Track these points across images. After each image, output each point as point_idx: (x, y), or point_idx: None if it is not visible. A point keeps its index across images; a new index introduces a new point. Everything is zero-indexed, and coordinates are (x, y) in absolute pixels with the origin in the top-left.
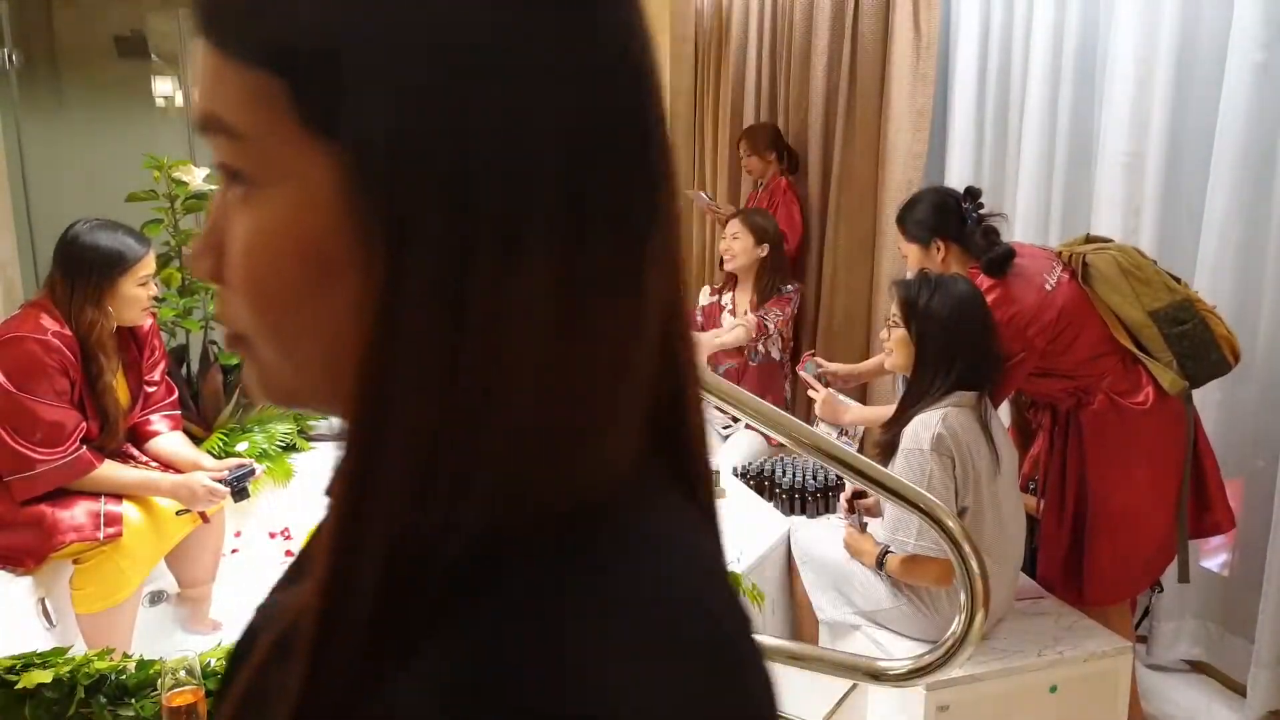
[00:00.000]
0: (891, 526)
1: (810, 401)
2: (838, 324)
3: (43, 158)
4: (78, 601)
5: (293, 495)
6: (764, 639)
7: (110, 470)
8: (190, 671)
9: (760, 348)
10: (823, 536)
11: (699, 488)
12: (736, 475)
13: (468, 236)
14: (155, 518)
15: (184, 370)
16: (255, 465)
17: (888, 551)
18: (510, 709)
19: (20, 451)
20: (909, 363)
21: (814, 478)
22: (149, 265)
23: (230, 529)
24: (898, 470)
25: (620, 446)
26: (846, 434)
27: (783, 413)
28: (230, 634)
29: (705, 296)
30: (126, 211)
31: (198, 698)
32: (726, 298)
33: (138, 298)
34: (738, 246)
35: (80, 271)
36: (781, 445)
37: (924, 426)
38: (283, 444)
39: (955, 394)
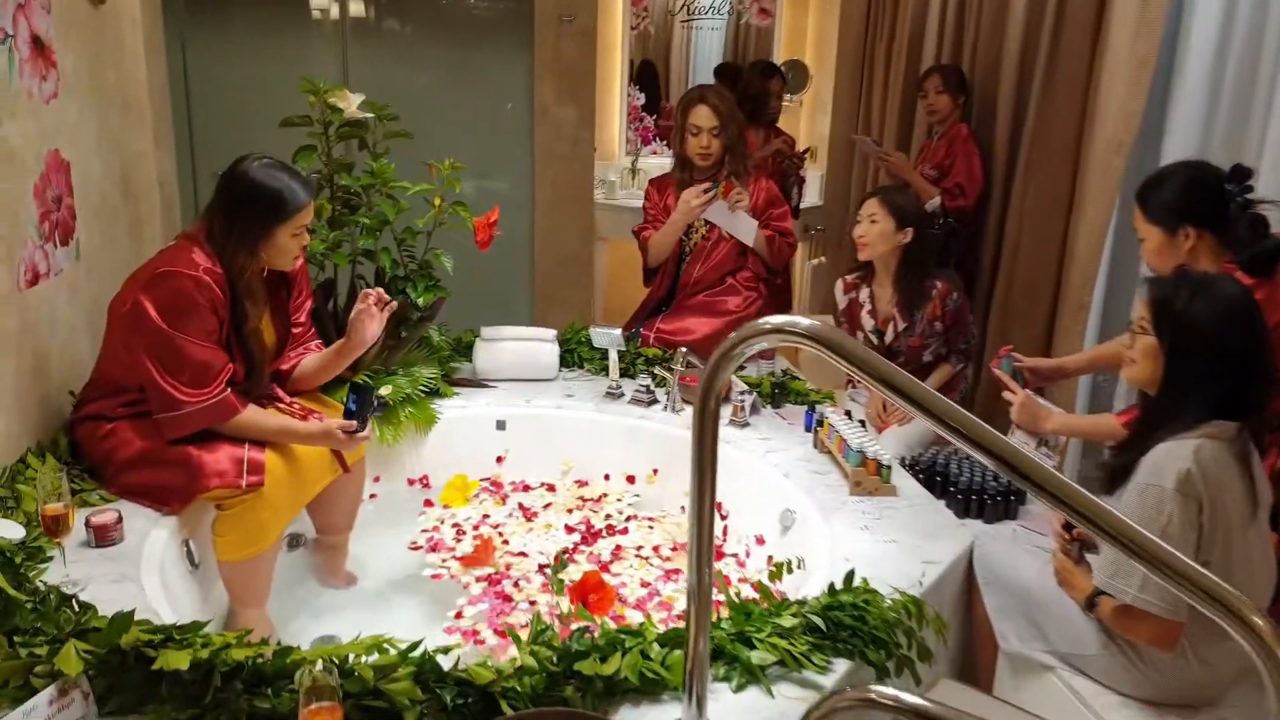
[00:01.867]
0: (1110, 569)
1: (1001, 403)
2: (1016, 297)
3: (205, 74)
4: (219, 549)
5: (434, 442)
6: (978, 694)
7: (253, 416)
8: (328, 671)
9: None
10: (1015, 558)
11: None
12: (905, 466)
13: None
14: (297, 467)
15: (330, 306)
16: (373, 388)
17: (1101, 593)
18: None
19: (167, 390)
20: (1156, 378)
21: (995, 479)
22: (308, 216)
23: (370, 474)
24: (1128, 506)
25: None
26: (1047, 444)
27: (967, 414)
28: (364, 587)
29: (840, 294)
30: (280, 134)
31: (335, 716)
32: (864, 294)
33: (290, 248)
34: (874, 232)
35: (240, 213)
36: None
37: (1171, 459)
38: (426, 389)
39: (1213, 423)
